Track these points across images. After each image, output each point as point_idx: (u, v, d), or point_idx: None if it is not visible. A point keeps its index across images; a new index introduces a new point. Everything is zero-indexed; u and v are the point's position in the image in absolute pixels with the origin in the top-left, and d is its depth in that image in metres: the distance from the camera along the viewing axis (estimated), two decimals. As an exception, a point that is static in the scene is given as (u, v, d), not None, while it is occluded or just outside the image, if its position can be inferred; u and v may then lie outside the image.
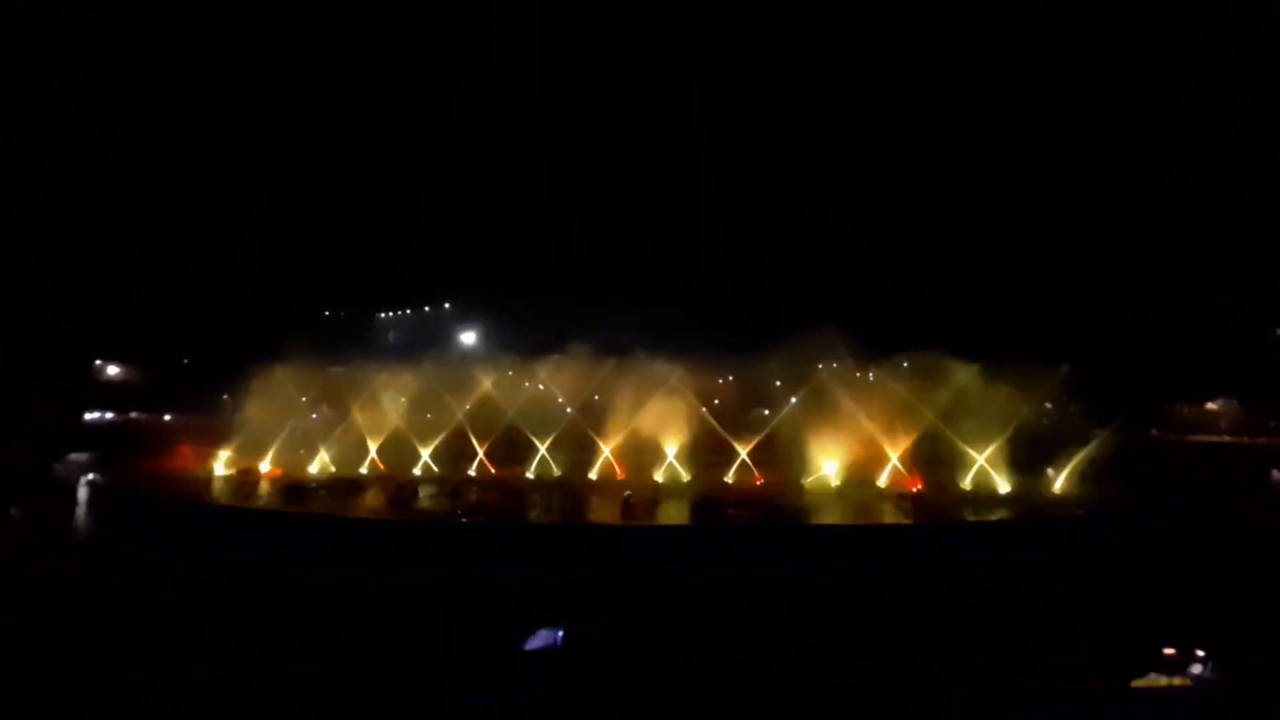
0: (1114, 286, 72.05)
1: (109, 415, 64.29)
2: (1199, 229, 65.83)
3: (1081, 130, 77.52)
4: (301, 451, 54.07)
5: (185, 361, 69.85)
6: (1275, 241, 63.83)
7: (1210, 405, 56.33)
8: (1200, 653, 19.60)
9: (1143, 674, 19.69)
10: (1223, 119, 69.22)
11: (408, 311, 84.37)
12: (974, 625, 25.58)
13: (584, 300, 72.50)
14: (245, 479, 50.84)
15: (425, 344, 74.48)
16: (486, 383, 56.65)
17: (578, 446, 53.11)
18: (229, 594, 29.73)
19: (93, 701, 21.22)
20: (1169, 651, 19.91)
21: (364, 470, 53.50)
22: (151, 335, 70.24)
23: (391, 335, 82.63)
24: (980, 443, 47.48)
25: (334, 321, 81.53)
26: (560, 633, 24.23)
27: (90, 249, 69.11)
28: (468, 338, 79.42)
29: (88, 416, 63.33)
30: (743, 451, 50.96)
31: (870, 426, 48.37)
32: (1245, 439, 51.50)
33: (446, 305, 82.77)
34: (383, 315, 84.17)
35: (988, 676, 22.33)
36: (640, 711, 21.14)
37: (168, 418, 58.36)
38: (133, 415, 63.34)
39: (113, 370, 71.26)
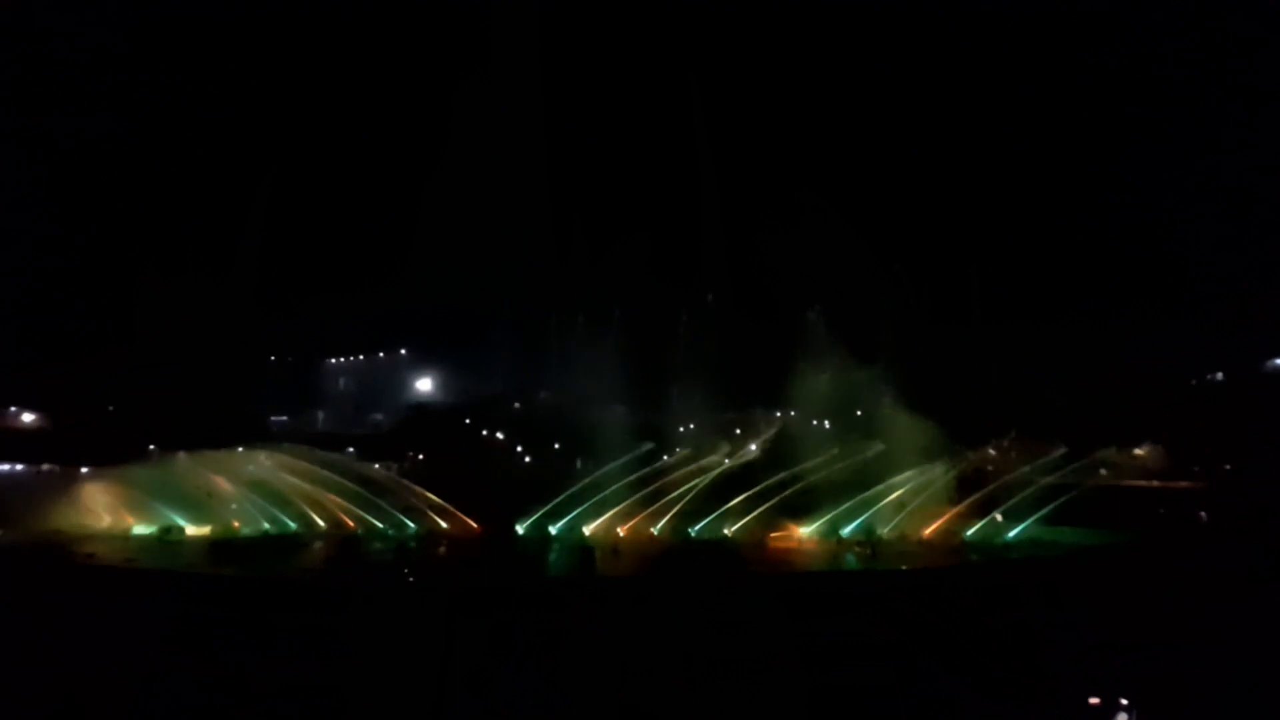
0: (1112, 289, 72.47)
1: (19, 467, 59.28)
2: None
3: (1081, 130, 77.66)
4: (233, 506, 48.96)
5: (110, 409, 66.93)
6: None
7: (1137, 451, 58.01)
8: (1124, 701, 19.61)
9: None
10: (1223, 119, 69.46)
11: (360, 358, 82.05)
12: (974, 625, 25.59)
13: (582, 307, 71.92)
14: (166, 537, 46.36)
15: (378, 391, 73.02)
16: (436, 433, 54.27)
17: (531, 499, 49.54)
18: (229, 594, 29.68)
19: (93, 701, 21.21)
20: (1094, 701, 19.90)
21: (297, 528, 48.66)
22: (151, 335, 70.18)
23: (342, 382, 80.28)
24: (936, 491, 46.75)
25: (280, 367, 78.92)
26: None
27: (90, 249, 69.05)
28: (423, 385, 77.56)
29: None
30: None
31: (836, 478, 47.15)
32: (1172, 483, 52.91)
33: (403, 351, 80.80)
34: (333, 361, 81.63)
35: (988, 676, 22.34)
36: (640, 711, 21.13)
37: (84, 470, 52.27)
38: (44, 467, 57.90)
39: (27, 418, 67.17)
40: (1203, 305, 67.54)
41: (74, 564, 36.72)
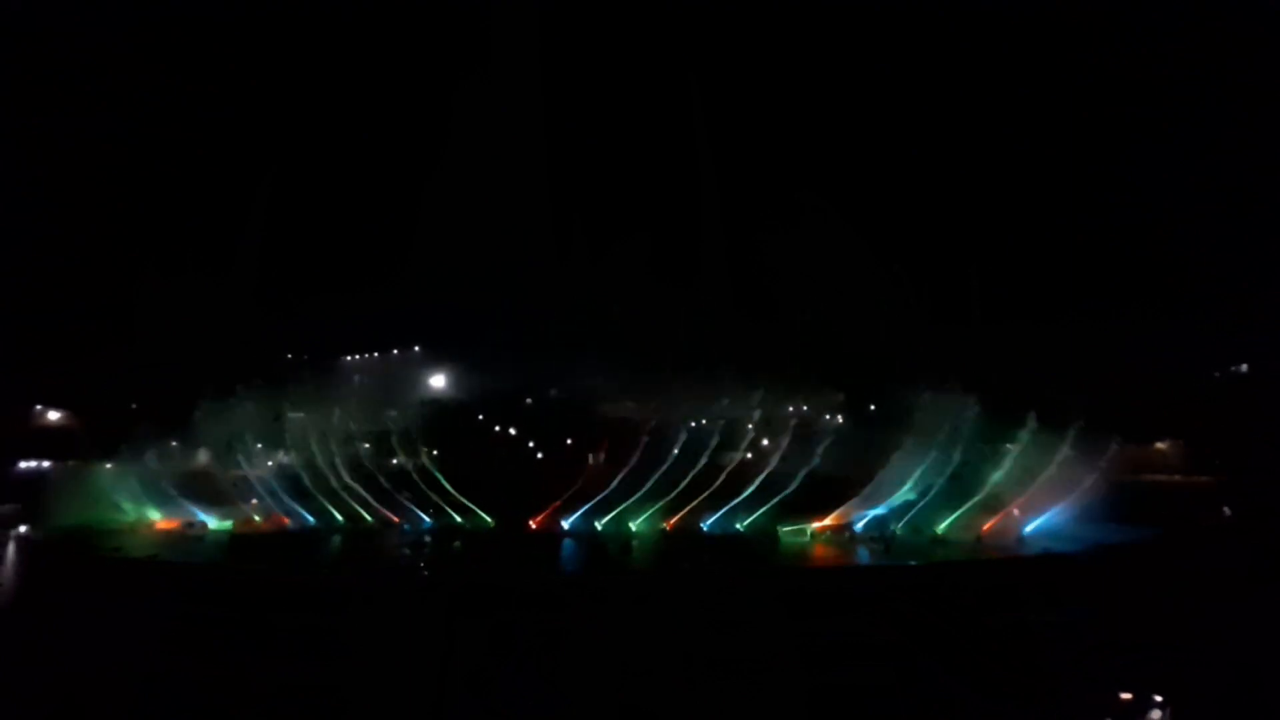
0: (1110, 287, 72.47)
1: (45, 464, 59.86)
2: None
3: (1081, 130, 77.65)
4: (253, 502, 51.01)
5: (134, 406, 67.24)
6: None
7: (1159, 445, 57.40)
8: (1158, 698, 19.50)
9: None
10: (1223, 119, 69.48)
11: (375, 355, 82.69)
12: (974, 625, 25.60)
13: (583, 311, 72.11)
14: (189, 531, 47.87)
15: (393, 388, 73.69)
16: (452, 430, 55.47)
17: (542, 494, 50.54)
18: (229, 594, 29.74)
19: (93, 701, 21.23)
20: (1126, 696, 19.80)
21: (316, 522, 50.33)
22: (151, 335, 70.19)
23: (358, 379, 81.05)
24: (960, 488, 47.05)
25: (296, 365, 79.61)
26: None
27: (90, 249, 69.09)
28: (436, 381, 78.27)
29: (22, 465, 59.16)
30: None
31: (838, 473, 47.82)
32: (1194, 478, 52.47)
33: (416, 349, 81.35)
34: (349, 359, 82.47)
35: (988, 676, 22.35)
36: (640, 711, 21.13)
37: (109, 466, 53.34)
38: (70, 464, 58.50)
39: (53, 415, 67.01)
40: (1203, 305, 67.51)
41: (100, 558, 37.83)
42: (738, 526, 47.52)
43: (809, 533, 46.06)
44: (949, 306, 76.05)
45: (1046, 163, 77.93)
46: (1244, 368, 66.86)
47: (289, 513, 50.00)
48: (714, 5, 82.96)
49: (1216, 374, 67.28)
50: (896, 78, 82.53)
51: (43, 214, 68.42)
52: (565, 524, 48.83)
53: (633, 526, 48.15)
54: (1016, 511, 46.37)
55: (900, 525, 46.29)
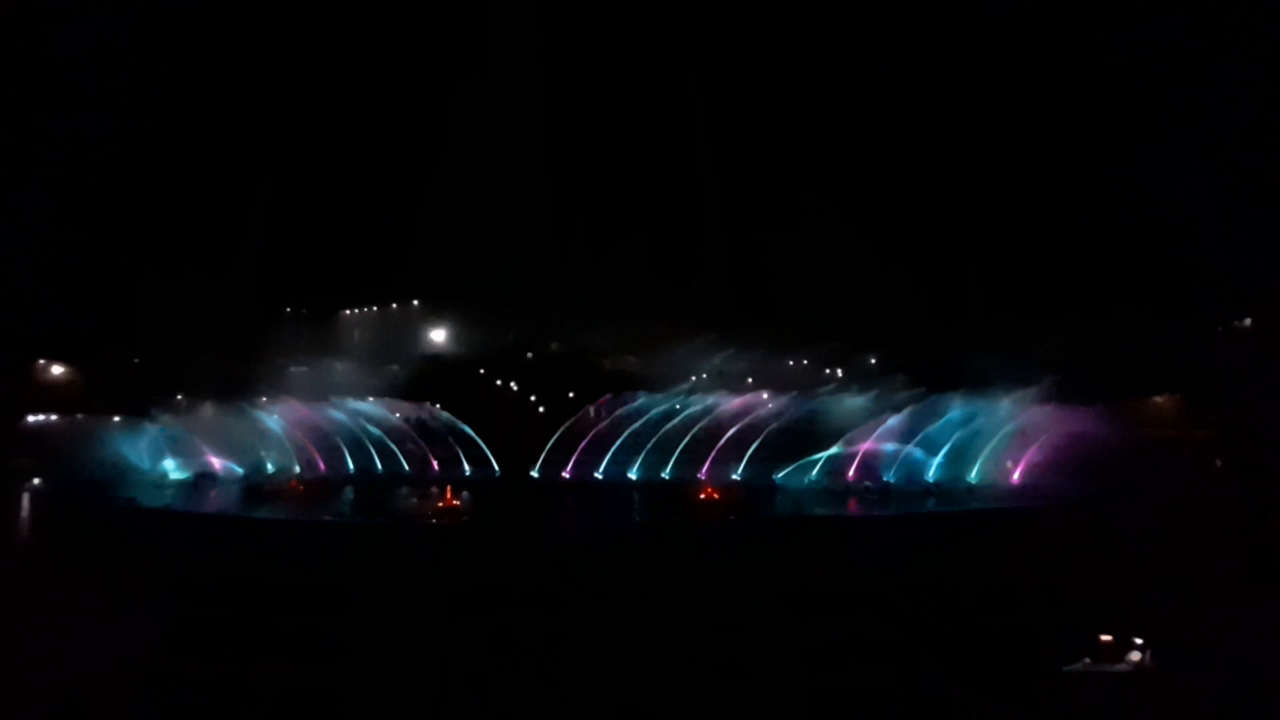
0: (1110, 286, 72.54)
1: (53, 417, 61.10)
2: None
3: (1082, 130, 77.67)
4: (262, 453, 52.71)
5: (135, 361, 67.66)
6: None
7: (1157, 399, 58.30)
8: (1139, 640, 19.45)
9: (1079, 660, 19.61)
10: (1223, 119, 69.47)
11: (374, 309, 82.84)
12: (974, 625, 25.63)
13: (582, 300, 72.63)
14: (202, 483, 49.59)
15: (392, 343, 74.62)
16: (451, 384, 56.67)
17: (543, 446, 52.51)
18: (229, 594, 29.80)
19: (92, 701, 21.22)
20: (1106, 638, 19.77)
21: (326, 472, 52.35)
22: (151, 335, 70.25)
23: (357, 334, 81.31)
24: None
25: (296, 320, 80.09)
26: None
27: (90, 249, 69.09)
28: (436, 336, 78.51)
29: (30, 419, 60.23)
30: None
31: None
32: (1189, 432, 53.20)
33: (415, 303, 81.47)
34: (348, 313, 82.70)
35: (988, 676, 22.33)
36: (640, 711, 21.12)
37: (116, 419, 54.46)
38: (78, 417, 59.72)
39: (57, 370, 67.85)
40: (1203, 305, 67.60)
41: (116, 508, 40.06)
42: (734, 476, 48.71)
43: (806, 480, 47.26)
44: (949, 306, 76.34)
45: (1046, 163, 78.02)
46: (1247, 321, 67.11)
47: (301, 463, 52.08)
48: (714, 5, 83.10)
49: (1219, 328, 67.73)
50: (896, 78, 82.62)
51: (43, 214, 68.45)
52: (565, 474, 50.80)
53: (631, 476, 50.49)
54: (1009, 464, 47.70)
55: (892, 474, 47.24)
